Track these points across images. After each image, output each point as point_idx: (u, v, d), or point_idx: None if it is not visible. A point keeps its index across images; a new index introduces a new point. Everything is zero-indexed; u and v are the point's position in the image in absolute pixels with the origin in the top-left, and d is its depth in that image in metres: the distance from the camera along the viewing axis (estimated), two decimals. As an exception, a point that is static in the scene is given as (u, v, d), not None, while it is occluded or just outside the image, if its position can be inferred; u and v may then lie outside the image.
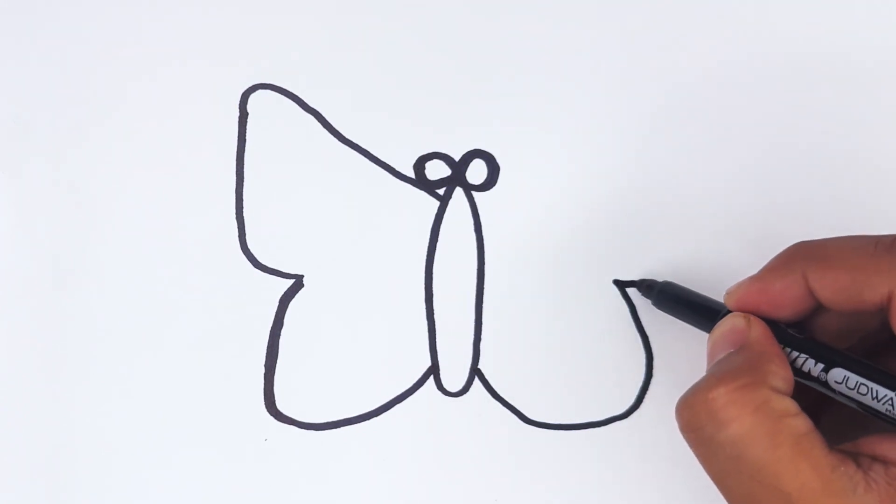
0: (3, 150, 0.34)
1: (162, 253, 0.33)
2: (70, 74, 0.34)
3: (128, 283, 0.33)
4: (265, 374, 0.33)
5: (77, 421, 0.33)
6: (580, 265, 0.33)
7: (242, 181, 0.34)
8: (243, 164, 0.34)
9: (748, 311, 0.27)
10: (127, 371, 0.33)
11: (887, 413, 0.24)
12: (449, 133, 0.34)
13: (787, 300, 0.26)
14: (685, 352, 0.33)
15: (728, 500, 0.25)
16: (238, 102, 0.34)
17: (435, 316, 0.33)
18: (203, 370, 0.33)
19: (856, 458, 0.24)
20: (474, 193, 0.34)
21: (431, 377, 0.33)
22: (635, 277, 0.33)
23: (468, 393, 0.33)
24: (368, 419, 0.33)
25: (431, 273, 0.33)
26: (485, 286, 0.33)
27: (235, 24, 0.34)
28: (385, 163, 0.34)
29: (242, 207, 0.34)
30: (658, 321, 0.33)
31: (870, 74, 0.34)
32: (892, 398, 0.24)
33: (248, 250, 0.33)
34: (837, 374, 0.25)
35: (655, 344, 0.33)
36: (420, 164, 0.34)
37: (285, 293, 0.33)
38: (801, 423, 0.24)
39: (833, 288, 0.25)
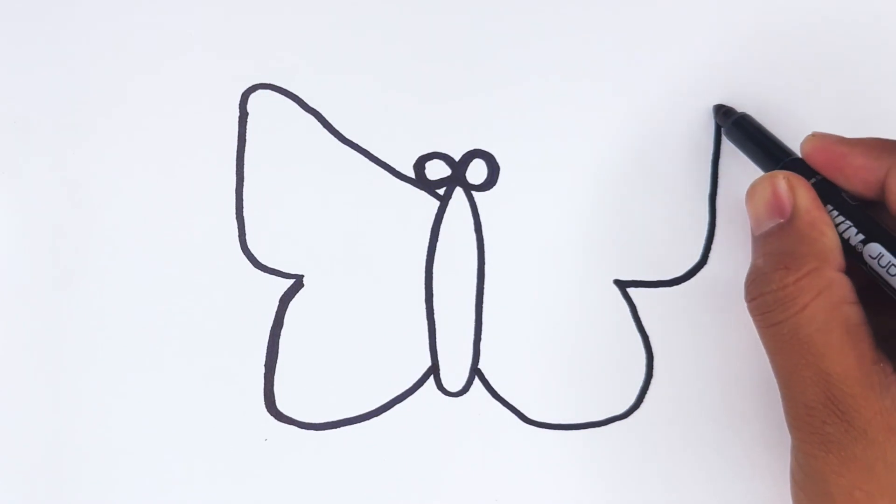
0: (3, 150, 0.34)
1: (162, 253, 0.33)
2: (70, 74, 0.34)
3: (128, 282, 0.33)
4: (265, 374, 0.33)
5: (77, 421, 0.33)
6: (580, 265, 0.33)
7: (242, 181, 0.34)
8: (243, 164, 0.34)
9: (817, 164, 0.28)
10: (127, 371, 0.33)
11: None
12: (449, 133, 0.34)
13: (858, 181, 0.27)
14: (685, 352, 0.33)
15: (776, 374, 0.27)
16: (238, 102, 0.34)
17: (435, 316, 0.33)
18: (203, 370, 0.33)
19: (894, 359, 0.25)
20: (474, 193, 0.34)
21: (431, 377, 0.33)
22: (635, 277, 0.33)
23: (468, 393, 0.33)
24: (368, 419, 0.33)
25: (431, 273, 0.33)
26: (485, 286, 0.33)
27: (235, 24, 0.34)
28: (385, 163, 0.34)
29: (242, 207, 0.34)
30: (658, 321, 0.33)
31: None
32: None
33: (248, 250, 0.33)
34: (873, 250, 0.26)
35: (655, 344, 0.33)
36: (420, 164, 0.34)
37: (285, 293, 0.33)
38: (856, 312, 0.25)
39: None
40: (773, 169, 0.29)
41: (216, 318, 0.33)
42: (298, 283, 0.33)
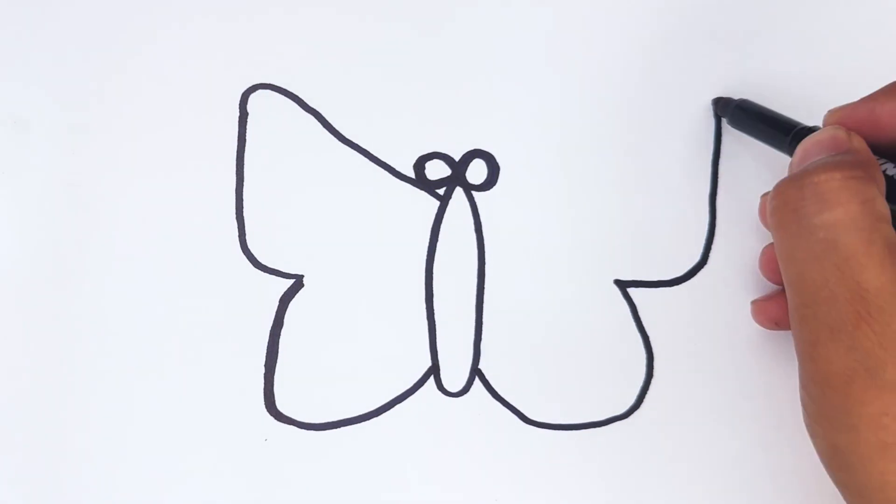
0: (3, 150, 0.33)
1: (162, 253, 0.33)
2: (70, 74, 0.34)
3: (128, 282, 0.33)
4: (265, 374, 0.33)
5: (76, 420, 0.33)
6: (580, 265, 0.33)
7: (242, 181, 0.34)
8: (243, 164, 0.34)
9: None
10: (127, 371, 0.33)
11: None
12: (449, 133, 0.34)
13: (894, 123, 0.26)
14: (685, 352, 0.33)
15: (797, 291, 0.24)
16: (238, 102, 0.34)
17: (435, 316, 0.33)
18: (203, 370, 0.33)
19: None
20: (474, 193, 0.34)
21: (431, 377, 0.33)
22: (635, 277, 0.33)
23: (468, 393, 0.33)
24: (368, 419, 0.33)
25: (431, 273, 0.33)
26: (485, 286, 0.33)
27: (235, 24, 0.34)
28: (385, 163, 0.34)
29: (242, 207, 0.34)
30: (658, 321, 0.33)
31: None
32: None
33: (248, 250, 0.33)
34: None
35: (655, 344, 0.33)
36: (420, 164, 0.34)
37: (285, 293, 0.33)
38: (893, 233, 0.23)
39: None
40: (784, 141, 0.29)
41: (216, 318, 0.33)
42: (298, 283, 0.33)
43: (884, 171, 0.26)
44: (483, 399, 0.33)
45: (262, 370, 0.33)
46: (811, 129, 0.28)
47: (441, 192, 0.34)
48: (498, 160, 0.34)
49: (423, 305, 0.33)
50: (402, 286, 0.33)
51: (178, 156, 0.34)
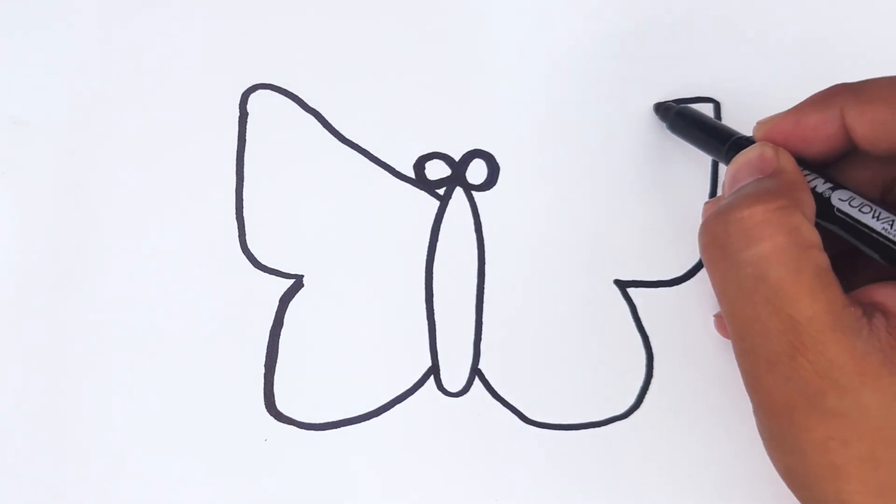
0: (3, 150, 0.33)
1: (162, 253, 0.33)
2: (70, 74, 0.34)
3: (128, 282, 0.33)
4: (265, 374, 0.33)
5: (76, 420, 0.33)
6: (580, 265, 0.33)
7: (242, 181, 0.34)
8: (243, 164, 0.34)
9: (776, 144, 0.27)
10: (127, 371, 0.33)
11: (883, 231, 0.24)
12: (449, 133, 0.34)
13: (820, 135, 0.26)
14: (685, 352, 0.33)
15: (732, 325, 0.24)
16: (238, 102, 0.34)
17: (435, 316, 0.33)
18: (203, 370, 0.33)
19: (862, 306, 0.23)
20: (474, 193, 0.34)
21: (431, 377, 0.33)
22: (635, 277, 0.33)
23: (468, 393, 0.33)
24: (368, 419, 0.33)
25: (431, 273, 0.33)
26: (485, 286, 0.33)
27: (236, 23, 0.34)
28: (385, 163, 0.34)
29: (242, 207, 0.34)
30: (658, 321, 0.33)
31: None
32: (893, 220, 0.24)
33: (248, 250, 0.33)
34: (843, 194, 0.25)
35: (655, 344, 0.33)
36: (420, 164, 0.34)
37: (285, 293, 0.33)
38: (824, 258, 0.23)
39: (871, 122, 0.24)
40: (721, 149, 0.29)
41: (216, 318, 0.33)
42: (298, 283, 0.33)
43: (813, 188, 0.26)
44: (483, 399, 0.33)
45: (262, 370, 0.33)
46: (747, 140, 0.28)
47: (441, 192, 0.34)
48: (498, 160, 0.34)
49: (423, 305, 0.33)
50: (402, 286, 0.33)
51: (179, 156, 0.34)
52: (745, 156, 0.26)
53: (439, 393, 0.33)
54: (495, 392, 0.33)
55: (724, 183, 0.27)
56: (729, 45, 0.34)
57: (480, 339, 0.33)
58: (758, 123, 0.28)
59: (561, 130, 0.34)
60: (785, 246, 0.23)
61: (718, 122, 0.31)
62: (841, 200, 0.25)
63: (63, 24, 0.34)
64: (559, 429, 0.33)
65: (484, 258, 0.34)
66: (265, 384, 0.33)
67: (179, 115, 0.34)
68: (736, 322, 0.24)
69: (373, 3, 0.34)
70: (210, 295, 0.33)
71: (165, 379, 0.33)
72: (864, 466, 0.22)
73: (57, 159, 0.33)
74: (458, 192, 0.34)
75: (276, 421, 0.33)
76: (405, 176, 0.34)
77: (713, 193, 0.34)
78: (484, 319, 0.33)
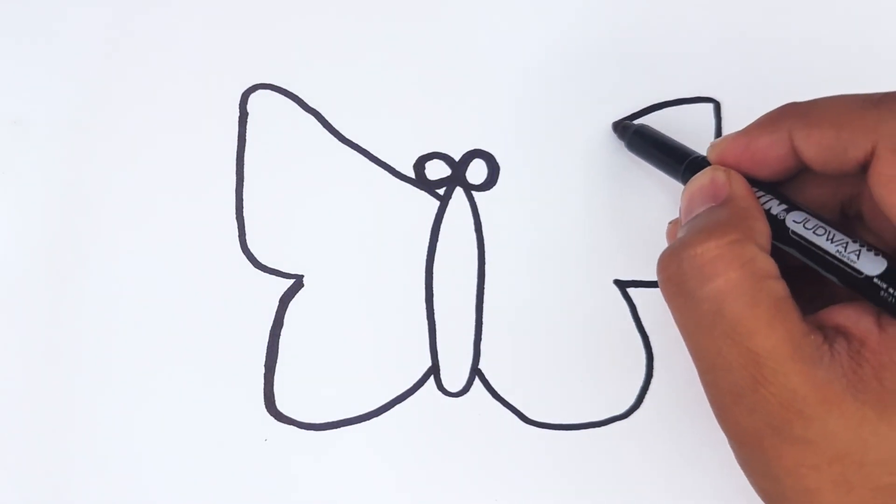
0: (3, 150, 0.33)
1: (162, 253, 0.33)
2: (70, 74, 0.34)
3: (127, 282, 0.33)
4: (265, 374, 0.33)
5: (76, 420, 0.33)
6: (580, 265, 0.33)
7: (242, 181, 0.34)
8: (243, 164, 0.34)
9: (729, 166, 0.27)
10: (127, 371, 0.33)
11: (837, 254, 0.24)
12: (449, 133, 0.34)
13: (770, 157, 0.26)
14: (685, 352, 0.33)
15: (695, 359, 0.25)
16: (238, 102, 0.34)
17: (435, 316, 0.33)
18: (203, 370, 0.33)
19: (821, 330, 0.23)
20: (474, 193, 0.34)
21: (431, 377, 0.33)
22: (635, 277, 0.33)
23: (468, 393, 0.33)
24: (368, 419, 0.33)
25: (431, 273, 0.33)
26: (485, 286, 0.33)
27: (236, 23, 0.34)
28: (385, 163, 0.34)
29: (242, 207, 0.34)
30: (658, 321, 0.33)
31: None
32: (846, 242, 0.24)
33: (248, 250, 0.33)
34: (797, 216, 0.25)
35: (655, 344, 0.33)
36: (420, 164, 0.34)
37: (285, 293, 0.33)
38: (781, 287, 0.23)
39: (818, 145, 0.24)
40: (678, 169, 0.29)
41: (216, 318, 0.33)
42: (298, 283, 0.33)
43: (767, 210, 0.26)
44: (483, 399, 0.33)
45: (262, 370, 0.33)
46: (703, 160, 0.28)
47: (441, 192, 0.34)
48: (498, 160, 0.34)
49: (423, 305, 0.33)
50: (402, 286, 0.33)
51: (179, 156, 0.34)
52: (698, 181, 0.27)
53: (439, 393, 0.33)
54: (495, 392, 0.33)
55: (680, 208, 0.27)
56: (729, 45, 0.34)
57: (480, 339, 0.33)
58: (711, 145, 0.28)
59: (561, 130, 0.34)
60: (739, 280, 0.23)
61: (676, 141, 0.31)
62: (795, 223, 0.25)
63: (63, 24, 0.34)
64: (559, 429, 0.33)
65: (484, 258, 0.34)
66: (265, 384, 0.33)
67: (179, 115, 0.34)
68: (698, 356, 0.24)
69: (373, 3, 0.34)
70: (210, 295, 0.33)
71: (165, 379, 0.33)
72: (838, 490, 0.22)
73: (57, 159, 0.33)
74: (458, 192, 0.34)
75: (276, 421, 0.33)
76: (405, 176, 0.34)
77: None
78: (484, 319, 0.33)
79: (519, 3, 0.34)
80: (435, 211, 0.34)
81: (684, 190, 0.27)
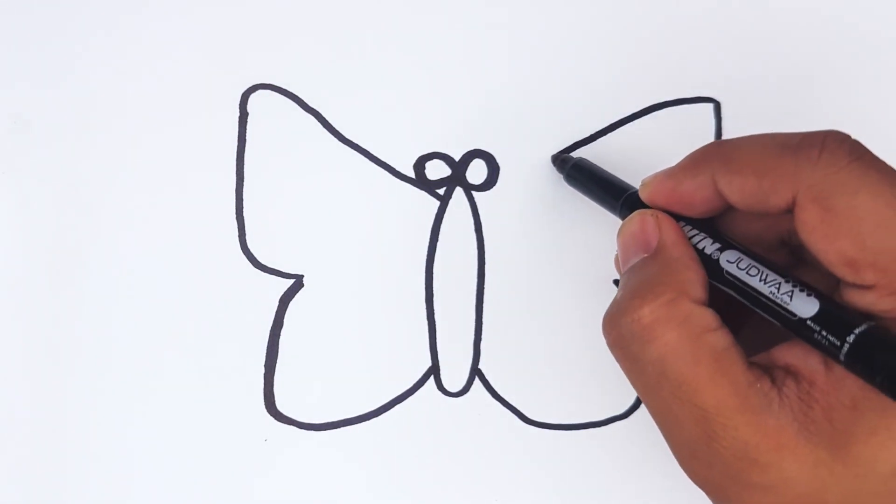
0: (3, 150, 0.33)
1: (162, 253, 0.33)
2: (70, 74, 0.34)
3: (127, 283, 0.33)
4: (265, 374, 0.33)
5: (76, 420, 0.33)
6: (580, 265, 0.33)
7: (242, 181, 0.34)
8: (243, 164, 0.34)
9: (660, 207, 0.27)
10: (127, 371, 0.33)
11: (770, 296, 0.24)
12: (449, 133, 0.34)
13: (697, 200, 0.26)
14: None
15: (651, 415, 0.25)
16: (238, 102, 0.34)
17: (435, 316, 0.33)
18: (203, 370, 0.33)
19: (770, 371, 0.24)
20: (474, 193, 0.34)
21: (431, 377, 0.33)
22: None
23: (468, 393, 0.33)
24: (368, 419, 0.33)
25: (431, 273, 0.33)
26: (485, 286, 0.33)
27: (236, 24, 0.34)
28: (385, 163, 0.34)
29: (242, 207, 0.34)
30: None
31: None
32: (779, 282, 0.24)
33: (248, 250, 0.33)
34: (731, 255, 0.25)
35: (655, 344, 0.33)
36: (420, 164, 0.34)
37: (285, 293, 0.33)
38: (721, 337, 0.24)
39: (741, 192, 0.24)
40: (616, 205, 0.29)
41: (216, 318, 0.33)
42: (298, 283, 0.33)
43: (701, 249, 0.26)
44: (483, 399, 0.33)
45: (262, 370, 0.33)
46: (638, 198, 0.28)
47: (441, 192, 0.34)
48: (498, 160, 0.34)
49: (423, 305, 0.33)
50: (402, 286, 0.33)
51: (179, 156, 0.34)
52: (629, 228, 0.27)
53: (439, 393, 0.33)
54: (495, 392, 0.33)
55: (615, 258, 0.27)
56: (729, 45, 0.34)
57: (480, 339, 0.33)
58: (642, 184, 0.28)
59: (561, 130, 0.34)
60: (678, 341, 0.23)
61: (613, 175, 0.31)
62: (729, 262, 0.25)
63: (63, 24, 0.34)
64: (559, 429, 0.33)
65: (484, 258, 0.34)
66: (265, 384, 0.33)
67: (179, 115, 0.34)
68: (652, 414, 0.25)
69: (373, 3, 0.34)
70: (210, 295, 0.33)
71: (165, 379, 0.33)
72: None
73: (57, 159, 0.33)
74: (458, 192, 0.34)
75: (276, 421, 0.33)
76: (405, 176, 0.34)
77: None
78: (484, 319, 0.33)
79: (519, 3, 0.34)
80: (435, 211, 0.34)
81: (618, 235, 0.27)
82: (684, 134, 0.34)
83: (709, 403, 0.23)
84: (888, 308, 0.22)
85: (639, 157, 0.34)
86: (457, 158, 0.34)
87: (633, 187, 0.29)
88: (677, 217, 0.26)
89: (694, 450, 0.24)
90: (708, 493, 0.24)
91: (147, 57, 0.34)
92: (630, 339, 0.24)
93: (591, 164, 0.32)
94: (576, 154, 0.33)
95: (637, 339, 0.24)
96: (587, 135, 0.34)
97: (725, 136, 0.34)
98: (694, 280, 0.25)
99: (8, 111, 0.34)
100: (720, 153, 0.25)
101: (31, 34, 0.34)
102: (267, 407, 0.33)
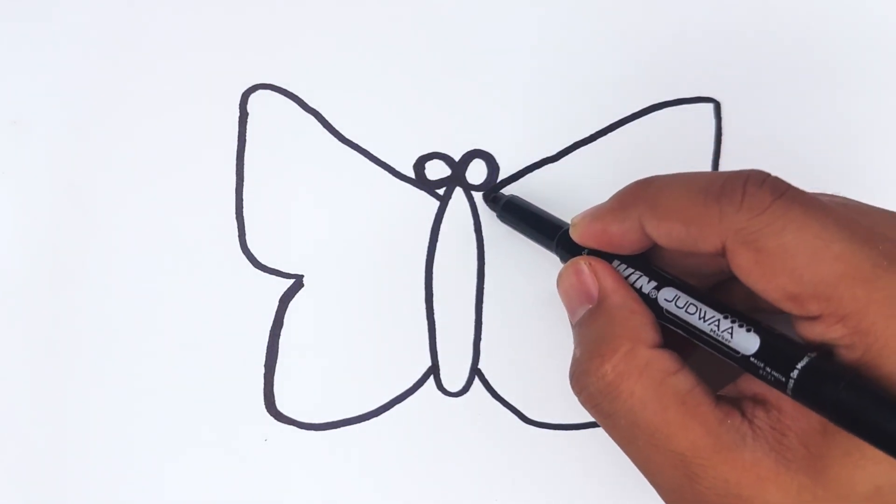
0: (3, 150, 0.33)
1: (162, 253, 0.33)
2: (70, 75, 0.34)
3: (127, 283, 0.33)
4: (265, 374, 0.33)
5: (76, 420, 0.33)
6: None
7: (242, 181, 0.34)
8: (243, 164, 0.34)
9: (592, 247, 0.27)
10: (127, 371, 0.33)
11: (711, 334, 0.24)
12: (449, 133, 0.34)
13: (626, 242, 0.26)
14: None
15: (633, 462, 0.25)
16: (238, 102, 0.34)
17: (435, 316, 0.33)
18: (203, 370, 0.33)
19: (739, 403, 0.24)
20: (474, 193, 0.34)
21: (431, 377, 0.33)
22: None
23: (468, 393, 0.33)
24: (368, 419, 0.33)
25: (431, 273, 0.33)
26: (485, 286, 0.33)
27: (236, 24, 0.34)
28: (385, 163, 0.34)
29: (242, 207, 0.34)
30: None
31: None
32: (718, 319, 0.24)
33: (248, 250, 0.33)
34: (668, 293, 0.25)
35: (655, 344, 0.33)
36: (420, 164, 0.34)
37: (285, 293, 0.33)
38: (683, 379, 0.24)
39: (667, 238, 0.25)
40: (550, 243, 0.30)
41: (216, 318, 0.33)
42: (298, 283, 0.33)
43: (639, 288, 0.26)
44: (483, 399, 0.33)
45: (262, 370, 0.33)
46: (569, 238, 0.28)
47: (441, 192, 0.34)
48: (498, 160, 0.34)
49: (423, 305, 0.33)
50: (401, 286, 0.33)
51: (179, 156, 0.34)
52: (567, 279, 0.27)
53: (439, 393, 0.33)
54: (495, 392, 0.33)
55: (566, 308, 0.28)
56: (729, 45, 0.34)
57: (480, 339, 0.33)
58: (571, 224, 0.28)
59: (561, 130, 0.34)
60: (642, 391, 0.24)
61: (546, 213, 0.31)
62: (667, 301, 0.25)
63: (63, 24, 0.34)
64: (559, 429, 0.33)
65: (484, 258, 0.34)
66: (265, 384, 0.33)
67: (180, 115, 0.34)
68: (635, 464, 0.25)
69: (373, 3, 0.34)
70: (210, 295, 0.33)
71: (165, 379, 0.33)
72: None
73: (57, 159, 0.33)
74: (458, 192, 0.34)
75: (276, 421, 0.33)
76: (405, 176, 0.34)
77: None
78: (484, 319, 0.33)
79: (519, 3, 0.34)
80: (435, 211, 0.34)
81: (558, 286, 0.28)
82: (684, 134, 0.34)
83: (683, 447, 0.23)
84: (839, 335, 0.22)
85: (639, 157, 0.34)
86: (457, 158, 0.34)
87: (566, 224, 0.29)
88: (611, 255, 0.27)
89: (679, 493, 0.24)
90: None
91: (147, 57, 0.34)
92: (599, 397, 0.25)
93: (523, 201, 0.32)
94: (507, 191, 0.33)
95: (604, 396, 0.25)
96: (587, 135, 0.34)
97: (725, 137, 0.34)
98: (644, 324, 0.25)
99: (8, 111, 0.34)
100: (645, 197, 0.25)
101: (30, 34, 0.34)
102: (267, 407, 0.33)
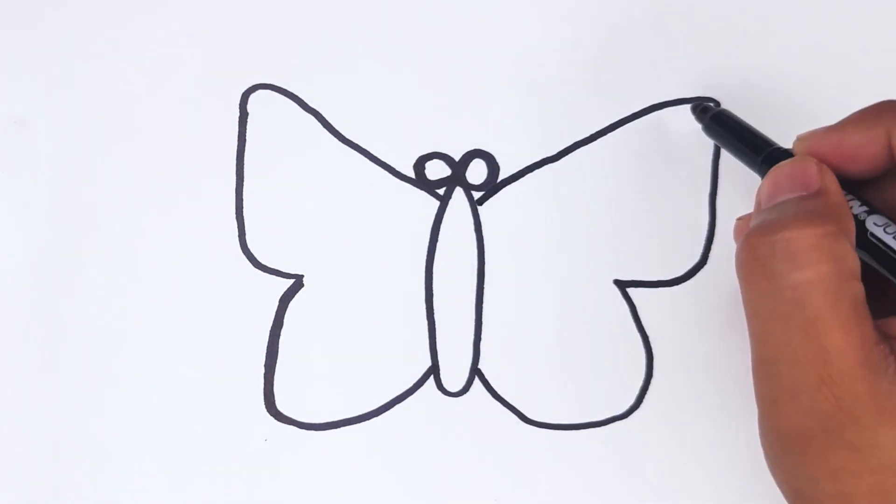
0: (3, 150, 0.34)
1: (162, 253, 0.33)
2: (70, 74, 0.34)
3: (128, 282, 0.33)
4: (265, 374, 0.33)
5: (76, 421, 0.33)
6: (580, 265, 0.33)
7: (242, 181, 0.34)
8: (243, 164, 0.34)
9: (817, 158, 0.26)
10: (127, 371, 0.33)
11: None
12: (449, 133, 0.34)
13: (863, 155, 0.25)
14: (685, 352, 0.33)
15: (758, 347, 0.24)
16: (238, 102, 0.34)
17: (435, 316, 0.33)
18: (203, 370, 0.33)
19: (886, 340, 0.23)
20: (474, 193, 0.34)
21: (431, 377, 0.33)
22: (635, 277, 0.33)
23: (468, 393, 0.33)
24: (368, 419, 0.33)
25: (431, 273, 0.33)
26: (485, 286, 0.33)
27: (236, 24, 0.34)
28: (385, 163, 0.34)
29: (242, 207, 0.34)
30: (658, 321, 0.33)
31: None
32: None
33: (248, 250, 0.33)
34: (878, 219, 0.25)
35: (655, 344, 0.33)
36: (420, 164, 0.34)
37: (285, 293, 0.33)
38: (861, 290, 0.23)
39: None
40: (756, 158, 0.29)
41: (216, 318, 0.33)
42: (298, 283, 0.33)
43: (850, 209, 0.25)
44: (483, 399, 0.33)
45: (262, 370, 0.33)
46: (784, 153, 0.28)
47: (441, 192, 0.34)
48: (498, 160, 0.34)
49: (423, 305, 0.33)
50: (401, 286, 0.33)
51: (179, 156, 0.34)
52: (787, 168, 0.26)
53: (439, 393, 0.33)
54: (495, 392, 0.33)
55: (759, 192, 0.26)
56: (729, 45, 0.34)
57: (480, 339, 0.33)
58: (798, 138, 0.27)
59: (561, 130, 0.34)
60: (828, 274, 0.23)
61: (756, 130, 0.30)
62: (876, 226, 0.25)
63: (63, 24, 0.34)
64: (559, 429, 0.33)
65: (484, 258, 0.34)
66: (265, 384, 0.33)
67: (179, 115, 0.34)
68: (765, 345, 0.24)
69: (373, 3, 0.34)
70: (210, 295, 0.33)
71: (165, 379, 0.33)
72: (873, 497, 0.22)
73: (57, 159, 0.34)
74: (458, 192, 0.34)
75: (276, 421, 0.33)
76: (405, 176, 0.34)
77: (713, 193, 0.34)
78: (484, 319, 0.33)
79: (519, 3, 0.34)
80: (435, 211, 0.34)
81: (768, 175, 0.26)
82: (684, 134, 0.34)
83: (835, 347, 0.22)
84: None
85: (639, 157, 0.34)
86: (457, 158, 0.34)
87: (777, 144, 0.28)
88: None
89: (797, 392, 0.23)
90: (784, 442, 0.24)
91: (147, 57, 0.34)
92: (777, 258, 0.23)
93: (734, 115, 0.31)
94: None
95: (787, 258, 0.23)
96: (587, 135, 0.34)
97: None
98: (852, 229, 0.24)
99: (8, 111, 0.34)
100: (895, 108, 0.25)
101: (31, 35, 0.34)
102: (267, 407, 0.33)
